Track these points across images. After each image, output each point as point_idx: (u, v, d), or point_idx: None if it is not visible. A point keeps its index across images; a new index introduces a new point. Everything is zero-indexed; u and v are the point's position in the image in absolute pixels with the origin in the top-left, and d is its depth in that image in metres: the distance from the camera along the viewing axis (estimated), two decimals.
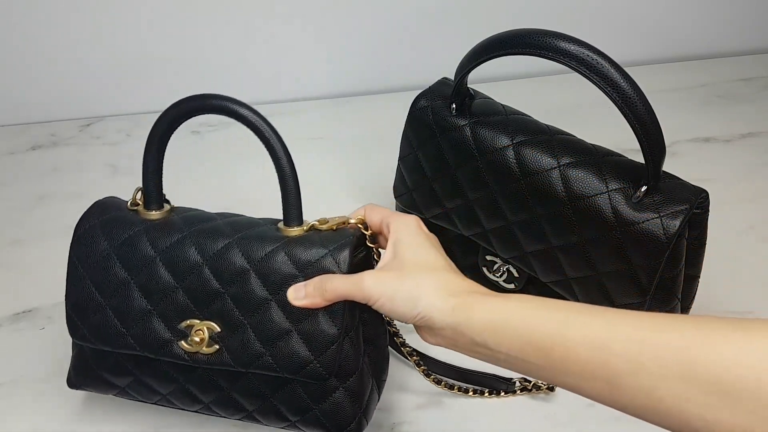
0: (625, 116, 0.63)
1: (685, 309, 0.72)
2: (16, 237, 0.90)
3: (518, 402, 0.71)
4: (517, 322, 0.49)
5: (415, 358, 0.69)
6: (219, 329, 0.60)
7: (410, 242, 0.58)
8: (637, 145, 0.64)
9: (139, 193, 0.65)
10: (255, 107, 0.63)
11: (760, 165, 1.00)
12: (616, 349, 0.44)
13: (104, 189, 0.97)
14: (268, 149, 0.61)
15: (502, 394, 0.72)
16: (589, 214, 0.67)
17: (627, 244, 0.66)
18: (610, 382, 0.45)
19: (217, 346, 0.60)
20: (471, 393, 0.72)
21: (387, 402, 0.71)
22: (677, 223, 0.64)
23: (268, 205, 0.93)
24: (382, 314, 0.63)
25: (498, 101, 0.78)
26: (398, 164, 0.83)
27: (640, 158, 0.66)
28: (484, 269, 0.80)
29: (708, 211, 0.67)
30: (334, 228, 0.61)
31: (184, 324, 0.61)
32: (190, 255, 0.61)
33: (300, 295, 0.58)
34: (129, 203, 0.65)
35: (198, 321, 0.61)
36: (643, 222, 0.65)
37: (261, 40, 1.08)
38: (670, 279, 0.68)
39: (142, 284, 0.61)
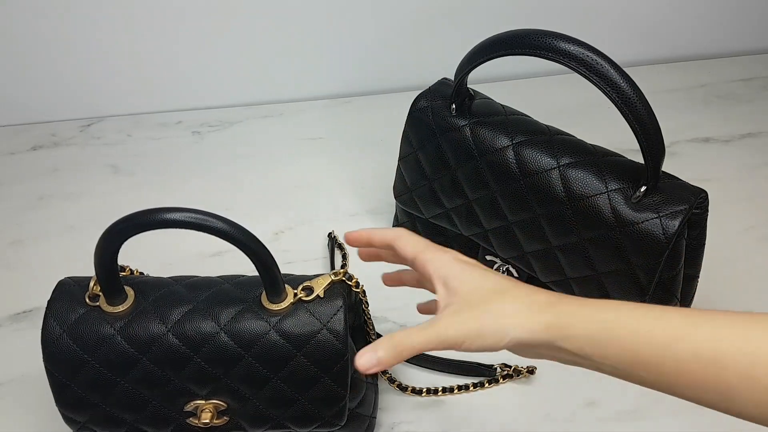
0: (624, 116, 0.63)
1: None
2: (16, 237, 0.90)
3: (518, 403, 0.71)
4: (621, 335, 0.47)
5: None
6: (225, 405, 0.61)
7: (461, 276, 0.54)
8: (637, 145, 0.64)
9: (97, 286, 0.61)
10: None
11: (759, 165, 1.00)
12: (727, 363, 0.43)
13: (104, 189, 0.97)
14: (241, 249, 0.56)
15: (486, 385, 0.72)
16: (589, 214, 0.67)
17: (626, 244, 0.66)
18: (723, 394, 0.44)
19: (227, 417, 0.62)
20: (456, 391, 0.72)
21: (387, 402, 0.71)
22: (676, 223, 0.64)
23: (268, 206, 0.93)
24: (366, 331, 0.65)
25: (498, 101, 0.78)
26: (398, 164, 0.83)
27: (639, 158, 0.66)
28: None
29: (707, 211, 0.67)
30: (322, 295, 0.60)
31: (188, 407, 0.61)
32: (174, 347, 0.59)
33: (371, 363, 0.51)
34: (87, 296, 0.61)
35: (202, 401, 0.61)
36: (642, 222, 0.65)
37: (261, 40, 1.08)
38: (669, 279, 0.68)
39: (134, 380, 0.60)
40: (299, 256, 0.87)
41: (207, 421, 0.60)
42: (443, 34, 1.11)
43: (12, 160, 1.03)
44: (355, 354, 0.54)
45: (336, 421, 0.63)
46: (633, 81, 0.62)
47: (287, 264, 0.86)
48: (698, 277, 0.71)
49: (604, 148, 0.72)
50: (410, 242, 0.57)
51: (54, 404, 0.70)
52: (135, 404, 0.61)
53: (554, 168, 0.69)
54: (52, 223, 0.92)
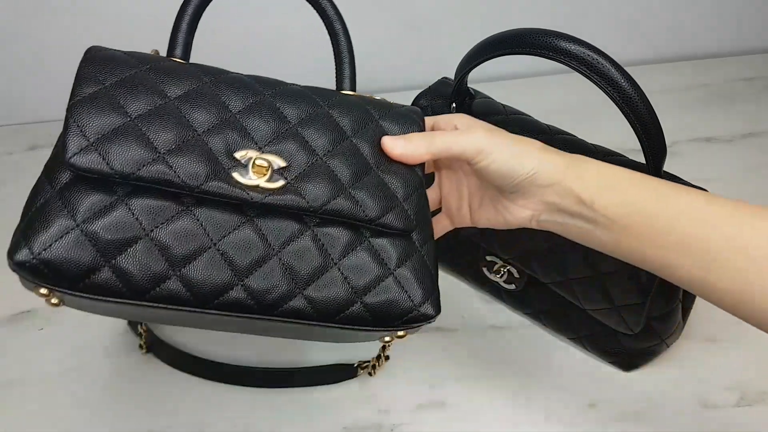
0: (625, 116, 0.63)
1: (686, 309, 0.72)
2: None
3: (518, 404, 0.71)
4: (628, 187, 0.50)
5: None
6: (284, 164, 0.50)
7: (484, 123, 0.57)
8: (638, 145, 0.64)
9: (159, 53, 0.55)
10: None
11: (761, 165, 0.99)
12: (719, 227, 0.45)
13: None
14: (319, 13, 0.56)
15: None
16: None
17: None
18: (705, 258, 0.45)
19: (283, 182, 0.49)
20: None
21: (387, 402, 0.71)
22: None
23: None
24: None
25: (498, 101, 0.78)
26: None
27: (640, 158, 0.66)
28: (484, 269, 0.79)
29: None
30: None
31: (239, 154, 0.49)
32: (248, 84, 0.52)
33: (400, 143, 0.52)
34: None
35: (257, 153, 0.49)
36: None
37: (261, 40, 1.08)
38: None
39: (184, 109, 0.49)
40: None
41: (263, 165, 0.48)
42: (443, 34, 1.11)
43: (10, 160, 1.03)
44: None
45: (411, 213, 0.51)
46: (634, 80, 0.62)
47: None
48: None
49: (606, 148, 0.71)
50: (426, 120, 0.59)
51: (53, 405, 0.70)
52: (176, 134, 0.48)
53: None
54: None
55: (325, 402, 0.71)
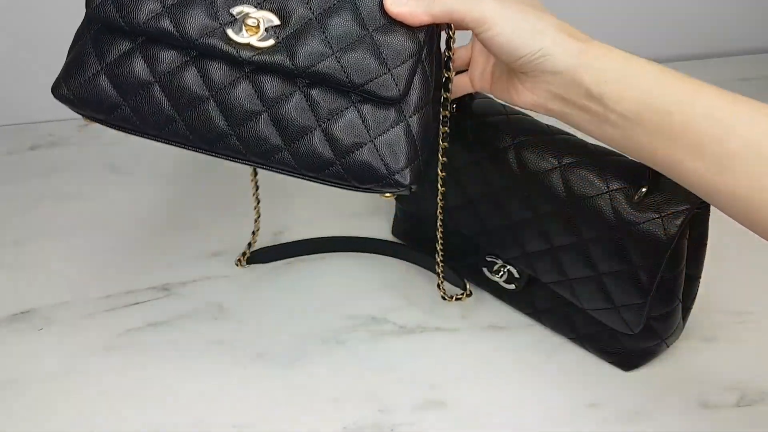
0: None
1: (686, 309, 0.72)
2: (15, 237, 0.90)
3: (518, 404, 0.71)
4: (644, 80, 0.46)
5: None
6: (278, 22, 0.51)
7: None
8: None
9: None
10: None
11: None
12: (739, 130, 0.42)
13: (103, 189, 0.97)
14: None
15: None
16: (590, 214, 0.67)
17: (628, 244, 0.66)
18: (718, 163, 0.42)
19: (273, 41, 0.51)
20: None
21: (387, 402, 0.71)
22: (678, 223, 0.64)
23: (268, 205, 0.93)
24: (440, 93, 0.57)
25: (498, 101, 0.78)
26: None
27: None
28: (484, 269, 0.79)
29: (709, 211, 0.67)
30: None
31: (235, 10, 0.51)
32: None
33: (401, 0, 0.50)
34: None
35: (254, 9, 0.51)
36: (644, 222, 0.65)
37: None
38: (671, 279, 0.67)
39: None
40: None
41: (253, 25, 0.51)
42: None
43: (10, 160, 1.03)
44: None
45: (395, 84, 0.51)
46: None
47: (286, 263, 0.86)
48: (700, 277, 0.71)
49: (606, 148, 0.71)
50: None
51: (53, 405, 0.70)
52: None
53: (555, 168, 0.69)
54: (50, 223, 0.92)
55: (325, 402, 0.71)
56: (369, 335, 0.78)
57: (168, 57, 0.53)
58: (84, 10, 0.55)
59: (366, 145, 0.53)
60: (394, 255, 0.86)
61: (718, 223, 0.71)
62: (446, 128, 0.60)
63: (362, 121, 0.53)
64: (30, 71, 1.05)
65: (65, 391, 0.72)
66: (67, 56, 0.57)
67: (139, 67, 0.53)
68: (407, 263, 0.85)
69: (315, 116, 0.53)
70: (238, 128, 0.53)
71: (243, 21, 0.51)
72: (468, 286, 0.78)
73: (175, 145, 0.57)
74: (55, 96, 0.56)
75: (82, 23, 0.56)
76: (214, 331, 0.77)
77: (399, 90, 0.51)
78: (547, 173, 0.69)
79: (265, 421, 0.69)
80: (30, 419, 0.70)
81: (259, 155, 0.54)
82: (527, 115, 0.76)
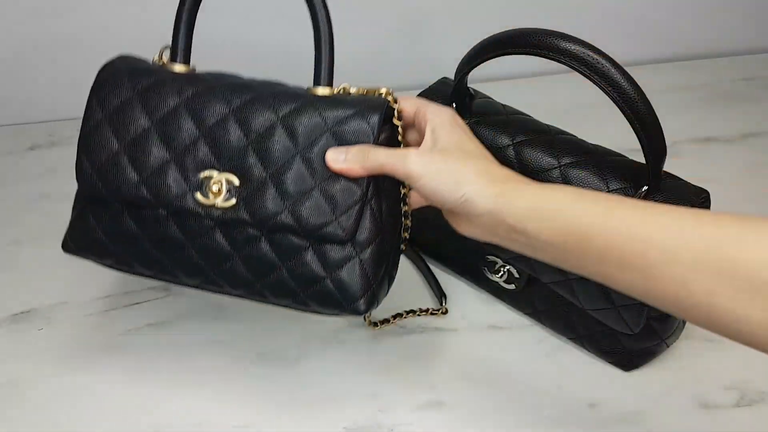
0: (625, 116, 0.63)
1: None
2: (14, 237, 0.90)
3: (518, 404, 0.71)
4: (560, 210, 0.49)
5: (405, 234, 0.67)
6: (238, 183, 0.58)
7: (450, 131, 0.57)
8: (638, 145, 0.64)
9: (165, 52, 0.64)
10: None
11: (761, 165, 0.99)
12: (656, 240, 0.45)
13: None
14: (307, 2, 0.60)
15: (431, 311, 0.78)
16: None
17: None
18: (645, 273, 0.45)
19: (234, 201, 0.59)
20: (404, 315, 0.77)
21: (387, 402, 0.71)
22: None
23: None
24: (400, 207, 0.63)
25: (498, 101, 0.78)
26: None
27: (640, 158, 0.66)
28: (485, 269, 0.79)
29: (709, 210, 0.67)
30: (365, 92, 0.61)
31: (202, 175, 0.59)
32: (216, 105, 0.59)
33: (340, 158, 0.57)
34: (153, 59, 0.64)
35: (217, 173, 0.59)
36: None
37: (261, 39, 1.08)
38: None
39: (163, 132, 0.59)
40: None
41: (215, 191, 0.58)
42: (443, 33, 1.11)
43: (10, 160, 1.03)
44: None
45: (342, 231, 0.58)
46: (634, 80, 0.62)
47: None
48: None
49: (606, 148, 0.71)
50: (410, 99, 0.62)
51: (53, 405, 0.70)
52: (152, 160, 0.59)
53: (555, 167, 0.69)
54: (50, 223, 0.91)
55: (325, 402, 0.71)
56: (369, 335, 0.78)
57: (151, 215, 0.61)
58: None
59: (324, 280, 0.59)
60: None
61: None
62: (406, 234, 0.67)
63: (319, 259, 0.59)
64: (30, 71, 1.06)
65: (65, 391, 0.72)
66: (72, 214, 0.66)
67: (130, 225, 0.61)
68: (406, 266, 0.85)
69: (278, 257, 0.60)
70: (216, 268, 0.61)
71: (208, 185, 0.59)
72: (444, 304, 0.79)
73: (167, 282, 0.65)
74: (65, 251, 0.66)
75: (77, 189, 0.65)
76: (214, 331, 0.77)
77: (346, 234, 0.58)
78: (547, 173, 0.69)
79: (265, 422, 0.69)
80: (30, 419, 0.70)
81: (236, 288, 0.62)
82: (527, 115, 0.76)
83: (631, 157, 0.70)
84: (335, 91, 0.61)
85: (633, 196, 0.66)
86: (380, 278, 0.61)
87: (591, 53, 0.62)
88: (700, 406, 0.71)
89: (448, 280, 0.84)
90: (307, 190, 0.58)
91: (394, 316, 0.78)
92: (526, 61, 0.71)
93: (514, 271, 0.77)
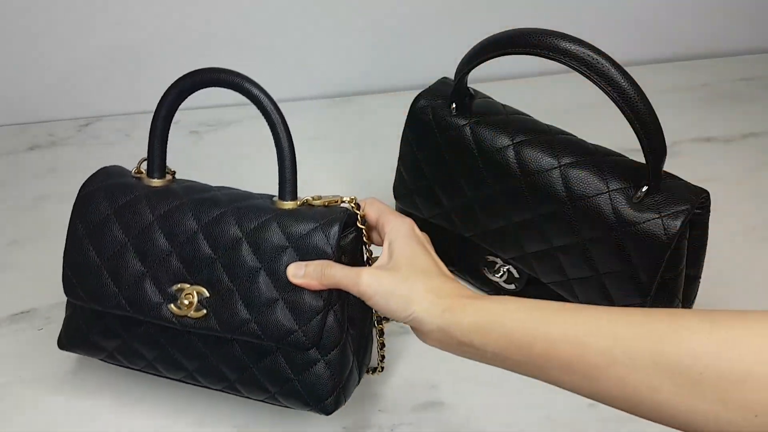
0: (625, 116, 0.63)
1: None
2: (14, 237, 0.90)
3: (518, 404, 0.71)
4: (501, 322, 0.52)
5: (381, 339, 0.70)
6: (208, 294, 0.62)
7: (405, 245, 0.60)
8: (638, 145, 0.64)
9: (144, 163, 0.68)
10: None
11: (761, 165, 0.99)
12: (591, 343, 0.47)
13: None
14: (268, 123, 0.63)
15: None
16: (590, 214, 0.67)
17: (628, 244, 0.66)
18: (587, 375, 0.47)
19: (205, 311, 0.62)
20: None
21: (387, 402, 0.71)
22: (678, 223, 0.64)
23: None
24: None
25: (498, 101, 0.78)
26: (398, 164, 0.82)
27: (640, 158, 0.66)
28: (484, 270, 0.80)
29: (709, 211, 0.67)
30: (327, 204, 0.64)
31: (175, 287, 0.63)
32: (186, 221, 0.63)
33: (299, 273, 0.61)
34: (133, 171, 0.69)
35: (188, 285, 0.63)
36: (643, 222, 0.65)
37: (260, 40, 1.08)
38: (671, 279, 0.67)
39: (138, 247, 0.64)
40: None
41: (187, 303, 0.62)
42: (443, 33, 1.11)
43: (10, 160, 1.03)
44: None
45: (306, 339, 0.61)
46: (634, 80, 0.62)
47: None
48: (700, 277, 0.71)
49: (605, 148, 0.71)
50: (376, 204, 0.65)
51: (53, 405, 0.70)
52: (129, 274, 0.64)
53: (555, 168, 0.69)
54: (50, 223, 0.92)
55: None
56: None
57: (134, 320, 0.65)
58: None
59: (293, 381, 0.63)
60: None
61: (718, 223, 0.71)
62: (382, 325, 0.69)
63: (287, 362, 0.63)
64: (30, 71, 1.06)
65: (65, 391, 0.72)
66: (65, 313, 0.70)
67: (116, 327, 0.66)
68: None
69: (249, 360, 0.64)
70: (194, 367, 0.66)
71: (181, 297, 0.63)
72: None
73: (153, 375, 0.69)
74: (60, 348, 0.70)
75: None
76: None
77: (310, 342, 0.61)
78: (547, 173, 0.69)
79: (266, 422, 0.69)
80: (29, 419, 0.70)
81: (215, 384, 0.66)
82: (527, 115, 0.76)
83: (631, 157, 0.70)
84: (299, 204, 0.64)
85: (633, 195, 0.66)
86: (347, 376, 0.65)
87: (591, 53, 0.62)
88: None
89: None
90: (272, 301, 0.61)
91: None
92: (526, 61, 0.71)
93: (514, 271, 0.77)
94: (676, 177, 0.69)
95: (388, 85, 1.15)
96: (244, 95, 0.63)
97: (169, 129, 0.67)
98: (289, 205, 0.64)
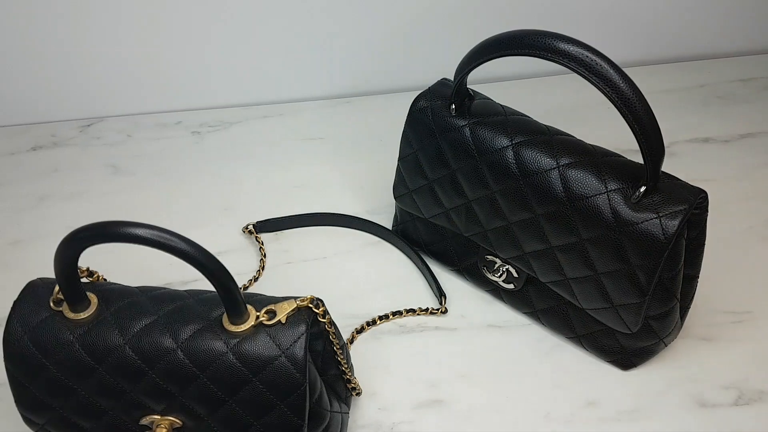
0: (623, 117, 0.63)
1: (683, 309, 0.72)
2: (16, 237, 0.90)
3: (517, 403, 0.72)
4: None
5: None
6: (181, 423, 0.61)
7: None
8: (636, 146, 0.64)
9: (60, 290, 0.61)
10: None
11: (758, 165, 1.00)
12: None
13: (104, 189, 0.97)
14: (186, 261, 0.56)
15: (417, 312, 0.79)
16: (588, 214, 0.68)
17: (626, 244, 0.66)
18: None
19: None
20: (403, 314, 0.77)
21: (387, 402, 0.72)
22: (676, 223, 0.64)
23: (268, 206, 0.93)
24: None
25: (498, 101, 0.79)
26: (398, 164, 0.83)
27: (639, 159, 0.66)
28: (484, 269, 0.80)
29: (707, 211, 0.67)
30: (284, 321, 0.59)
31: (144, 420, 0.61)
32: (130, 359, 0.59)
33: None
34: (51, 300, 0.61)
35: (158, 417, 0.61)
36: (642, 222, 0.65)
37: (261, 41, 1.08)
38: (669, 279, 0.68)
39: (91, 388, 0.60)
40: (299, 256, 0.87)
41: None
42: (443, 34, 1.11)
43: (12, 160, 1.03)
44: (320, 383, 0.58)
45: None
46: (632, 81, 0.62)
47: (287, 264, 0.86)
48: (698, 277, 0.71)
49: (604, 149, 0.72)
50: None
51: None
52: (91, 412, 0.62)
53: (554, 168, 0.69)
54: (51, 224, 0.92)
55: None
56: (369, 335, 0.78)
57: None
58: None
59: None
60: (380, 236, 0.89)
61: (716, 223, 0.72)
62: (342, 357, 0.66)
63: None
64: (32, 72, 1.06)
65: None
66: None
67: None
68: (407, 265, 0.86)
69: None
70: None
71: (153, 426, 0.61)
72: (444, 303, 0.80)
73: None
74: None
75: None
76: None
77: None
78: (546, 173, 0.70)
79: None
80: None
81: None
82: (526, 116, 0.76)
83: (630, 158, 0.71)
84: (253, 324, 0.59)
85: (631, 195, 0.66)
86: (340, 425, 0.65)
87: (589, 54, 0.62)
88: (698, 405, 0.71)
89: (447, 279, 0.84)
90: (247, 425, 0.60)
91: (394, 313, 0.79)
92: (526, 62, 0.72)
93: (513, 270, 0.78)
94: (674, 177, 0.69)
95: (388, 85, 1.15)
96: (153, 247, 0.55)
97: (76, 268, 0.59)
98: (242, 328, 0.58)
